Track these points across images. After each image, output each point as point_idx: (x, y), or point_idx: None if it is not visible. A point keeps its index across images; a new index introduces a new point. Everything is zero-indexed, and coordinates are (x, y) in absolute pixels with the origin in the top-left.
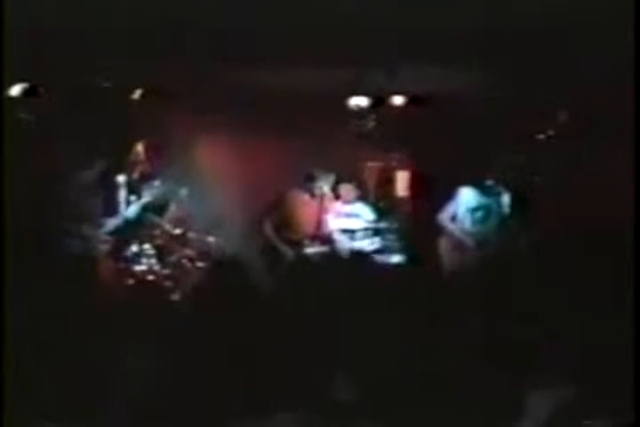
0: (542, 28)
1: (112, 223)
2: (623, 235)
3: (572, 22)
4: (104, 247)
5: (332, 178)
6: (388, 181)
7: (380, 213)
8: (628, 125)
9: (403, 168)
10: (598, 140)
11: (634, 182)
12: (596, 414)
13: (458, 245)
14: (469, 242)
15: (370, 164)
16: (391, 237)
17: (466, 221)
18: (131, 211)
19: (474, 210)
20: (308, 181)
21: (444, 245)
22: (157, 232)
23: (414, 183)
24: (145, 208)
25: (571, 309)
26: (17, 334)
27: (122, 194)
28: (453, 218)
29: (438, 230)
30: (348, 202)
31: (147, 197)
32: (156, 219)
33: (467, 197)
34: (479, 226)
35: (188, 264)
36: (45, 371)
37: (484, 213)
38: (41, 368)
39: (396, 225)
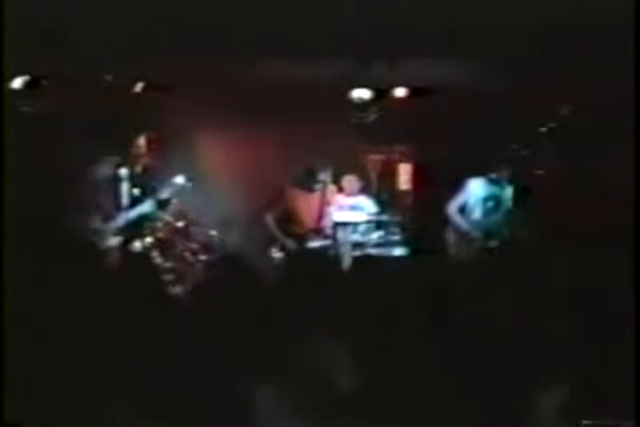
0: (545, 22)
1: (124, 217)
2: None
3: (574, 17)
4: (113, 241)
5: (334, 171)
6: (390, 174)
7: (383, 206)
8: (629, 119)
9: (405, 161)
10: (600, 134)
11: (634, 175)
12: (596, 414)
13: (464, 237)
14: (475, 234)
15: (372, 156)
16: (394, 229)
17: (476, 211)
18: (147, 206)
19: (485, 200)
20: (309, 174)
21: (450, 236)
22: (160, 225)
23: (416, 176)
24: (159, 204)
25: (570, 304)
26: (17, 328)
27: (125, 187)
28: (462, 209)
29: (441, 223)
30: (351, 194)
31: (165, 194)
32: (159, 212)
33: (477, 187)
34: (490, 215)
35: (191, 257)
36: (47, 366)
37: (494, 202)
38: (41, 363)
39: (398, 218)
